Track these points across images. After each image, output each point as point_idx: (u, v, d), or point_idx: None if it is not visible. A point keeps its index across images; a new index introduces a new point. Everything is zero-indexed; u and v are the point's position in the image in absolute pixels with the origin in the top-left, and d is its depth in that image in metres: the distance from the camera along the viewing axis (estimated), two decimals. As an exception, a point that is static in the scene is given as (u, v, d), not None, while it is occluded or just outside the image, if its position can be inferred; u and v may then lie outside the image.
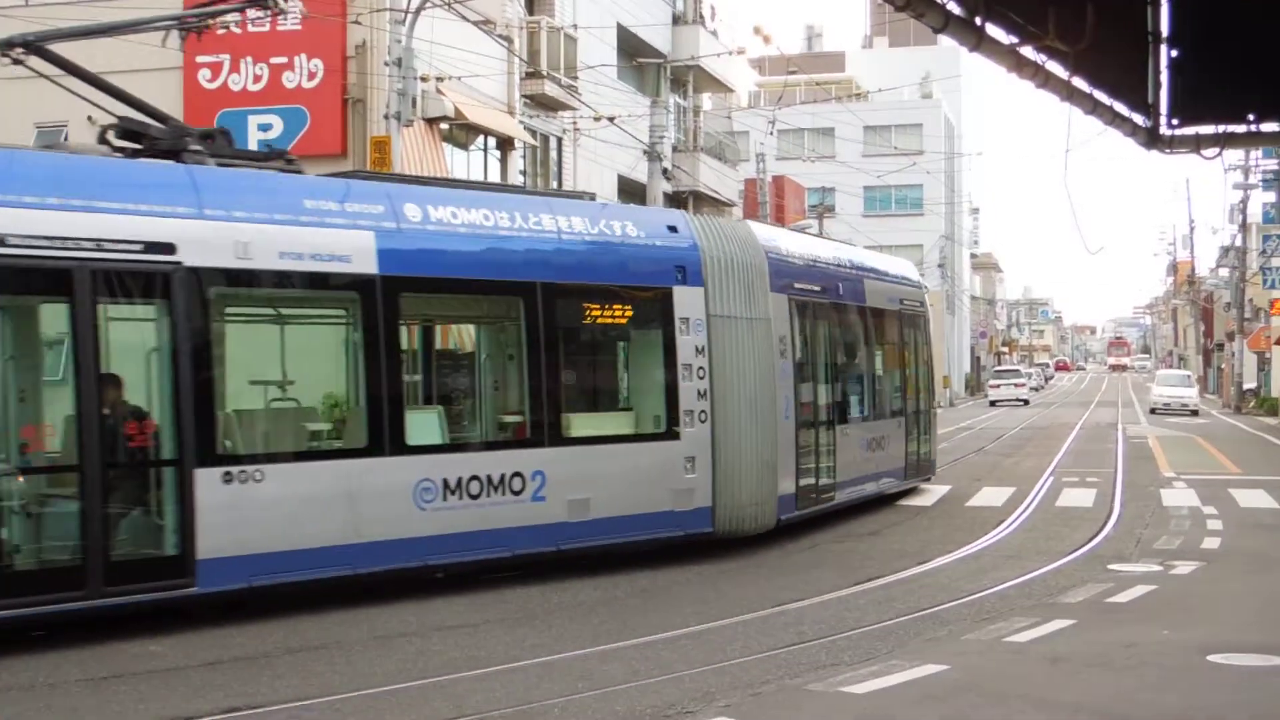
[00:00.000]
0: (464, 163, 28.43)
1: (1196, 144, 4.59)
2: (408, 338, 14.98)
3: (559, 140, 33.90)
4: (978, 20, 3.69)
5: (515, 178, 30.66)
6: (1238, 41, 4.47)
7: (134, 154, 13.37)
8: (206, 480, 12.25)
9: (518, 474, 14.64)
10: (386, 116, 23.34)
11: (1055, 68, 3.89)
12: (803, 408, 18.60)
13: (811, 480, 18.82)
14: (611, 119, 30.93)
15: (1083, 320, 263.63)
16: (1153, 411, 59.02)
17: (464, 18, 26.67)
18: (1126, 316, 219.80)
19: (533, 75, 31.11)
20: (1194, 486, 25.06)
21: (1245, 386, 65.84)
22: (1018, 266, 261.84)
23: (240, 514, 12.48)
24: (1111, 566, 15.87)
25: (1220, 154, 4.61)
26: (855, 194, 74.97)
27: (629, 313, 16.76)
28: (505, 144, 29.87)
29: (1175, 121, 4.60)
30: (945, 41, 4.88)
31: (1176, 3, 4.59)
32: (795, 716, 9.29)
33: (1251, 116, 4.50)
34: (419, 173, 24.30)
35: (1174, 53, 4.63)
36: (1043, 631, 11.91)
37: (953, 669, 10.42)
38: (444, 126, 26.31)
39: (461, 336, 16.66)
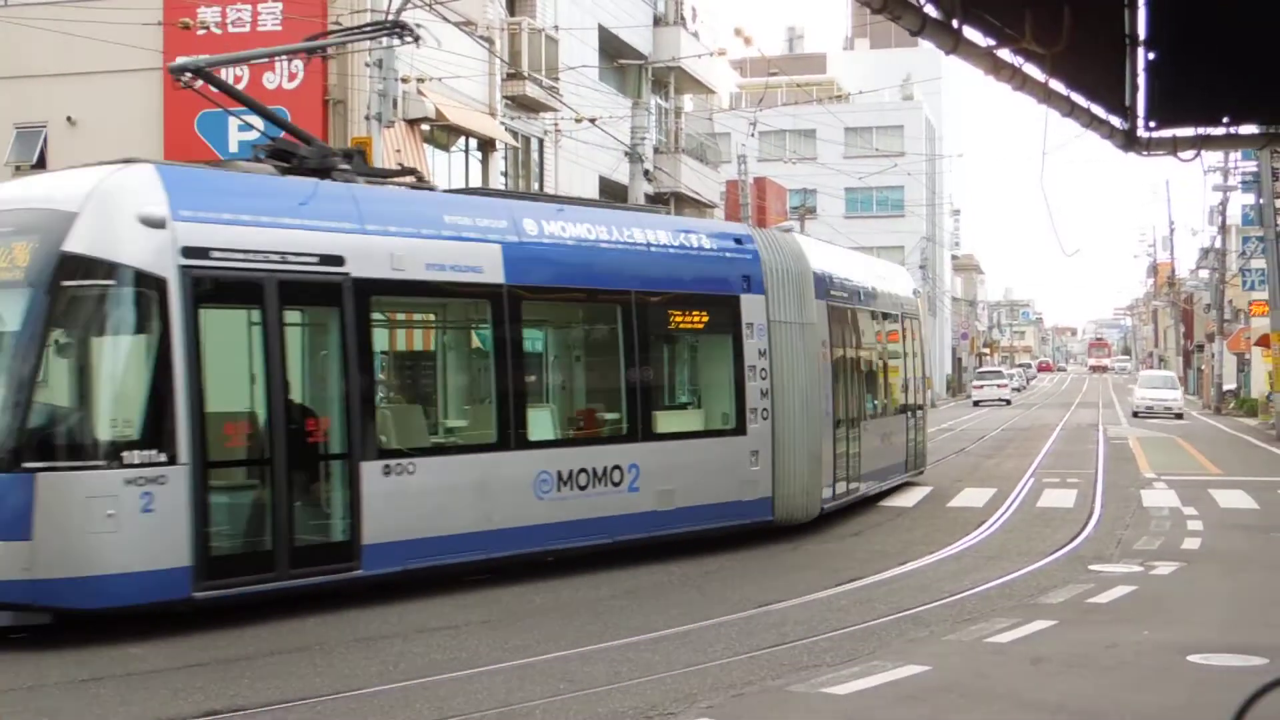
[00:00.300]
0: (445, 164, 28.40)
1: (1173, 146, 4.61)
2: (527, 341, 16.23)
3: (540, 141, 33.88)
4: (954, 23, 3.70)
5: (496, 179, 30.64)
6: (1214, 44, 4.49)
7: (284, 172, 14.49)
8: (370, 472, 13.52)
9: (617, 466, 16.14)
10: (367, 118, 23.28)
11: (1033, 70, 3.90)
12: (837, 405, 20.22)
13: (845, 471, 20.53)
14: (593, 120, 30.90)
15: (1064, 321, 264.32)
16: (1135, 415, 57.45)
17: (445, 19, 26.65)
18: (1107, 318, 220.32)
19: (514, 76, 31.06)
20: (1174, 487, 25.14)
21: (1225, 388, 66.08)
22: (999, 268, 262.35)
23: (397, 503, 13.70)
24: (1092, 567, 15.92)
25: (1197, 156, 4.64)
26: (837, 195, 75.08)
27: (705, 318, 18.27)
28: (486, 145, 29.85)
29: (1152, 124, 4.61)
30: (926, 43, 4.88)
31: (1154, 5, 4.60)
32: (777, 717, 9.30)
33: (1226, 119, 4.52)
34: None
35: (1151, 55, 4.65)
36: (1024, 632, 11.95)
37: (934, 669, 10.46)
38: (425, 128, 26.27)
39: (568, 340, 17.88)
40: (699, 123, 51.60)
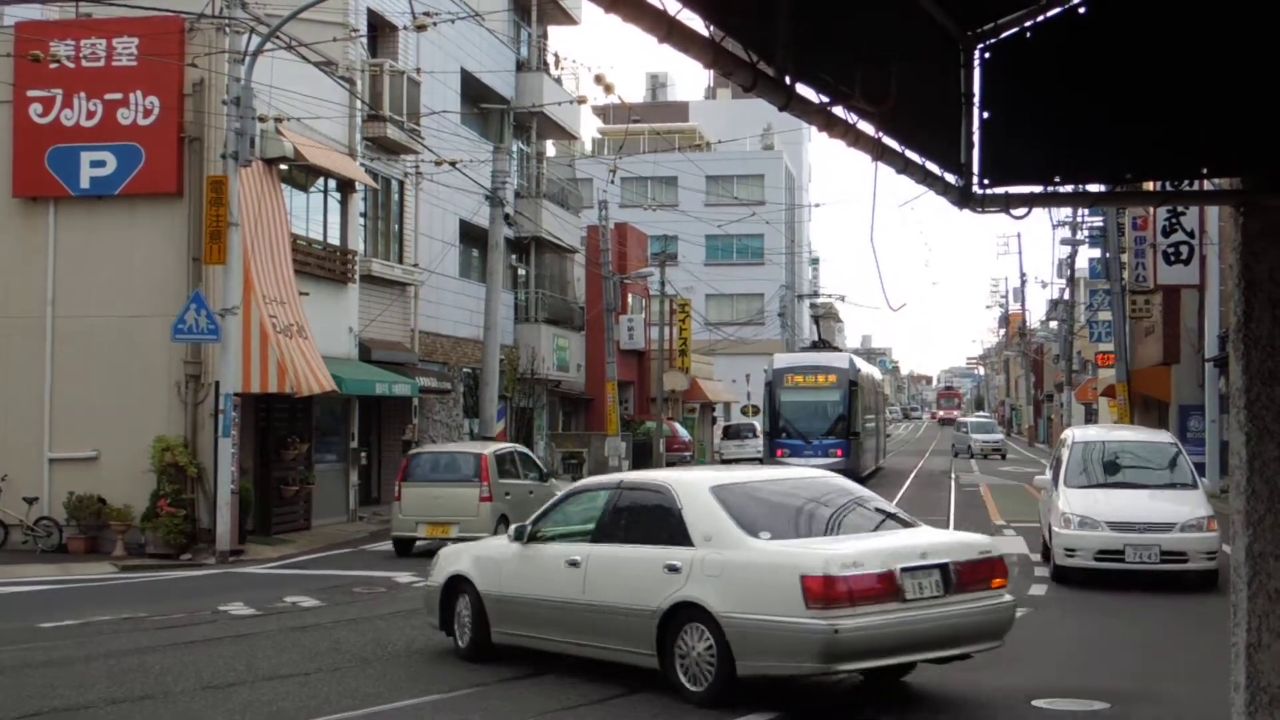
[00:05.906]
0: (303, 205, 28.16)
1: (1006, 203, 4.73)
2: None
3: (401, 184, 33.74)
4: (787, 80, 3.76)
5: (355, 220, 30.44)
6: (1047, 107, 4.63)
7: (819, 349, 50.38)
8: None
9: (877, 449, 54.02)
10: (224, 156, 23.01)
11: (866, 127, 3.98)
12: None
13: (882, 456, 55.52)
14: (454, 163, 30.83)
15: (920, 369, 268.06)
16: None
17: (305, 59, 26.46)
18: (960, 366, 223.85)
19: (374, 118, 30.91)
20: (1023, 534, 25.54)
21: (1073, 436, 67.39)
22: (858, 316, 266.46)
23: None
24: (941, 612, 16.10)
25: (1029, 213, 4.76)
26: (697, 243, 75.78)
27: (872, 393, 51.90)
28: (345, 186, 29.65)
29: (986, 181, 4.73)
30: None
31: (987, 66, 4.73)
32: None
33: (1058, 178, 4.65)
34: (257, 214, 23.99)
35: (986, 114, 4.77)
36: (873, 677, 12.05)
37: (783, 712, 10.51)
38: (283, 167, 25.99)
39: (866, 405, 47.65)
40: (561, 168, 51.82)
